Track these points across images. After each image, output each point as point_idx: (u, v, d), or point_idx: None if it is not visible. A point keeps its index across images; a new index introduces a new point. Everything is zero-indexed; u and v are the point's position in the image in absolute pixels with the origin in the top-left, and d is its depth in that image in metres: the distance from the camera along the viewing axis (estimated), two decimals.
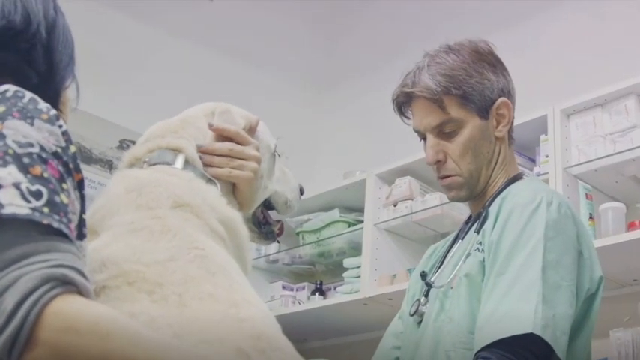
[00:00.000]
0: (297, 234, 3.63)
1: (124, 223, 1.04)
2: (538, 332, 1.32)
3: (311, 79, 4.29)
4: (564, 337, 1.36)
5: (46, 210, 0.81)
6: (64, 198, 0.85)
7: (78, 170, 0.91)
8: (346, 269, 3.35)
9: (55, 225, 0.81)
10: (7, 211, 0.79)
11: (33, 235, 0.79)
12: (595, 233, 2.54)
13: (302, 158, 4.08)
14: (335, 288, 3.47)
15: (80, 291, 0.79)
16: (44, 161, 0.85)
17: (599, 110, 2.66)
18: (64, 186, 0.86)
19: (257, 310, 0.99)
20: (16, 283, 0.75)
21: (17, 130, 0.84)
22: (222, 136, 1.29)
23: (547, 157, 2.71)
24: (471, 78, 1.55)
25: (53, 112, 0.90)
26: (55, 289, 0.76)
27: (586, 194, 2.61)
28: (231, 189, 1.29)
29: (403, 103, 1.63)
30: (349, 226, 3.44)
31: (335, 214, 3.50)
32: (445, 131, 1.57)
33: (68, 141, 0.90)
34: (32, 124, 0.87)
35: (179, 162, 1.21)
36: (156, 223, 1.04)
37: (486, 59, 1.59)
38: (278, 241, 3.69)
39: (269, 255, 3.69)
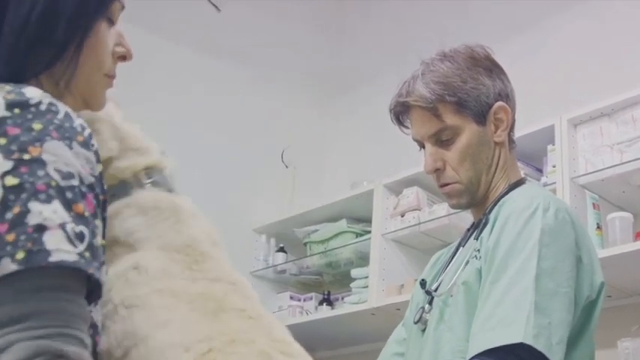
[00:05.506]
0: (305, 244, 3.63)
1: None
2: (529, 342, 1.29)
3: (317, 87, 4.29)
4: (561, 345, 1.33)
5: (87, 255, 0.75)
6: (100, 240, 0.79)
7: (104, 192, 0.85)
8: (354, 279, 3.34)
9: (97, 275, 0.75)
10: (55, 258, 0.72)
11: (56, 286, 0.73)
12: (602, 243, 2.53)
13: (309, 169, 4.09)
14: (343, 298, 3.47)
15: None
16: (83, 196, 0.78)
17: (606, 120, 2.65)
18: (97, 222, 0.80)
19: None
20: (10, 348, 0.70)
21: (58, 156, 0.77)
22: None
23: (554, 167, 2.70)
24: (465, 84, 1.54)
25: (87, 131, 0.83)
26: None
27: (593, 204, 2.60)
28: None
29: (400, 112, 1.62)
30: (357, 237, 3.44)
31: (342, 224, 3.50)
32: (442, 139, 1.55)
33: (98, 161, 0.83)
34: (71, 147, 0.79)
35: None
36: None
37: (482, 64, 1.57)
38: (285, 252, 3.70)
39: (276, 265, 3.69)
